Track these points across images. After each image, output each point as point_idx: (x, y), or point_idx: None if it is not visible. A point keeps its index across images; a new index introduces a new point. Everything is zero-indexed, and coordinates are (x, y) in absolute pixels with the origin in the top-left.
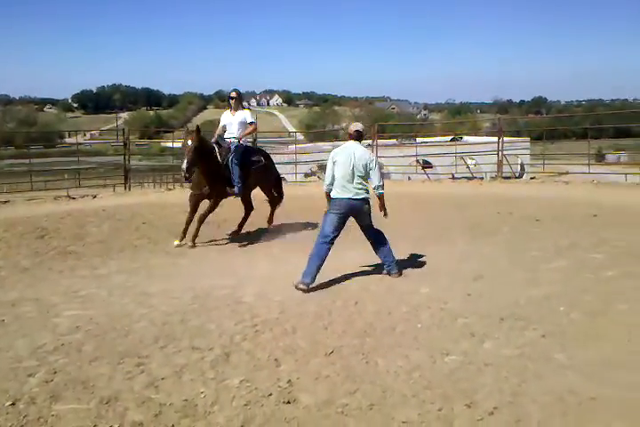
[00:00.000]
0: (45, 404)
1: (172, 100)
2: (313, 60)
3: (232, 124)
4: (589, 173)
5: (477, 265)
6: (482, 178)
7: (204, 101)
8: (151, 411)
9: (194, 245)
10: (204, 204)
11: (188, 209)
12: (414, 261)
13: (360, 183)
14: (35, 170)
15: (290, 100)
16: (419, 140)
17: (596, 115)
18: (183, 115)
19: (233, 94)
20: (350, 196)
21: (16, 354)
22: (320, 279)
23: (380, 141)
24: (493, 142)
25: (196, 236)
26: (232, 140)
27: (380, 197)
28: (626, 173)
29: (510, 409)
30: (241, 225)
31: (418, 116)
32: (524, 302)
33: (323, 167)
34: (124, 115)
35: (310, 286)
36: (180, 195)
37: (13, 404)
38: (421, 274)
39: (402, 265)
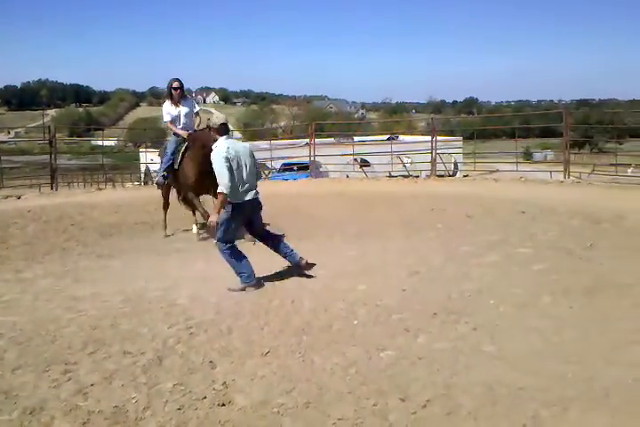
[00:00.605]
0: None
1: (103, 97)
2: (250, 58)
3: (179, 116)
4: (517, 170)
5: (412, 261)
6: (417, 176)
7: (137, 98)
8: (79, 419)
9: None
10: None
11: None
12: (351, 258)
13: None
14: None
15: (227, 97)
16: (356, 138)
17: (524, 115)
18: (114, 112)
19: (176, 84)
20: (253, 197)
21: None
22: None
23: (318, 140)
24: (428, 141)
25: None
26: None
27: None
28: (551, 171)
29: (443, 401)
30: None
31: (355, 116)
32: (456, 296)
33: (261, 166)
34: (52, 112)
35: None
36: (112, 195)
37: None
38: (358, 271)
39: (338, 262)
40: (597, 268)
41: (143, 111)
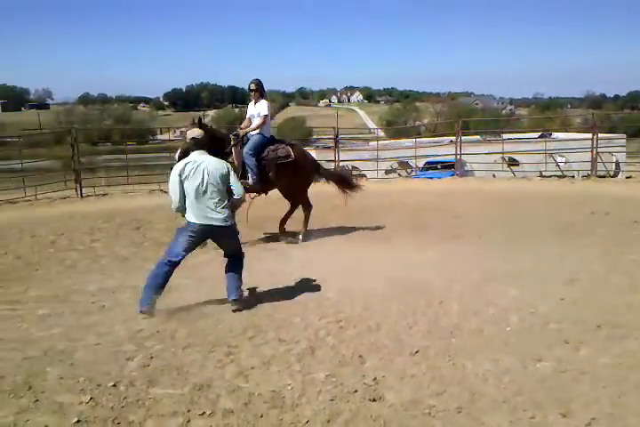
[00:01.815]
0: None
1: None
2: (394, 56)
3: (254, 116)
4: None
5: (570, 268)
6: (573, 176)
7: (287, 98)
8: (241, 400)
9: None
10: None
11: None
12: (500, 261)
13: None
14: (130, 165)
15: (370, 96)
16: (504, 136)
17: None
18: None
19: (252, 86)
20: (209, 222)
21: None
22: (410, 279)
23: (464, 138)
24: (586, 139)
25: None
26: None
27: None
28: None
29: (610, 421)
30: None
31: (503, 112)
32: (622, 308)
33: (404, 164)
34: (212, 112)
35: None
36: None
37: (115, 385)
38: (509, 275)
39: (487, 265)
40: None
41: (292, 111)
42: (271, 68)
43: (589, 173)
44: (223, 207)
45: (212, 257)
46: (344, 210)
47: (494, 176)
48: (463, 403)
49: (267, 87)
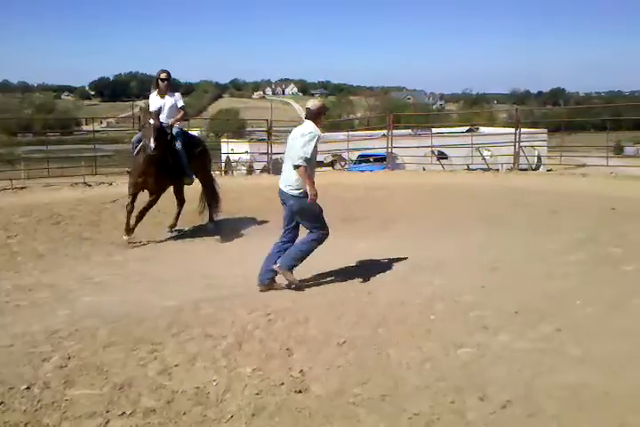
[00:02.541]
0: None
1: (188, 88)
2: (329, 50)
3: (162, 108)
4: (607, 165)
5: (492, 257)
6: (498, 170)
7: (220, 90)
8: (164, 398)
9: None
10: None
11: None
12: (427, 252)
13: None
14: (52, 157)
15: (305, 89)
16: (434, 130)
17: (616, 106)
18: (199, 103)
19: (163, 75)
20: (283, 188)
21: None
22: (339, 271)
23: (395, 132)
24: (510, 133)
25: (131, 230)
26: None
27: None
28: None
29: (524, 403)
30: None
31: (434, 107)
32: (539, 295)
33: (337, 157)
34: (141, 102)
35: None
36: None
37: (28, 388)
38: (435, 265)
39: (415, 255)
40: None
41: (226, 102)
42: (204, 58)
43: (512, 166)
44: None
45: (138, 254)
46: (277, 203)
47: (424, 169)
48: (387, 390)
49: (200, 78)
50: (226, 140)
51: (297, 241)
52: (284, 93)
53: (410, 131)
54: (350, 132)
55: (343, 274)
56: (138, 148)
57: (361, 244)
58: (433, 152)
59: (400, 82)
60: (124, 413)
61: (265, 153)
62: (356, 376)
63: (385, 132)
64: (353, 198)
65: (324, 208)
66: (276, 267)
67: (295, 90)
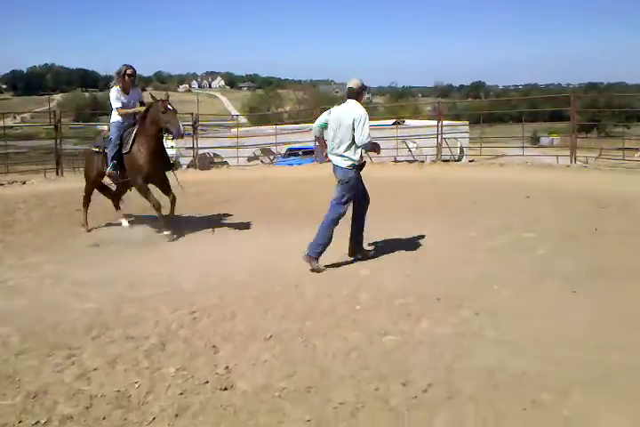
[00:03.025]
0: None
1: (109, 82)
2: (256, 42)
3: (129, 103)
4: (524, 155)
5: (417, 246)
6: (423, 161)
7: (143, 83)
8: (82, 403)
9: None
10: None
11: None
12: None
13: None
14: None
15: (232, 82)
16: None
17: (532, 99)
18: None
19: (130, 71)
20: (339, 163)
21: None
22: (268, 266)
23: None
24: (434, 126)
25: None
26: None
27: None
28: (557, 156)
29: (444, 385)
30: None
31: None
32: (459, 281)
33: (266, 151)
34: (58, 96)
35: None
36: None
37: None
38: (362, 256)
39: (343, 247)
40: (602, 252)
41: (149, 95)
42: (125, 50)
43: (436, 157)
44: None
45: (54, 256)
46: (204, 198)
47: None
48: (313, 382)
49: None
50: None
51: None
52: (210, 87)
53: None
54: (279, 126)
55: (271, 268)
56: (131, 142)
57: (289, 237)
58: None
59: (328, 75)
60: (38, 422)
61: (191, 148)
62: (282, 370)
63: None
64: (281, 192)
65: (251, 203)
66: (303, 256)
67: (222, 83)
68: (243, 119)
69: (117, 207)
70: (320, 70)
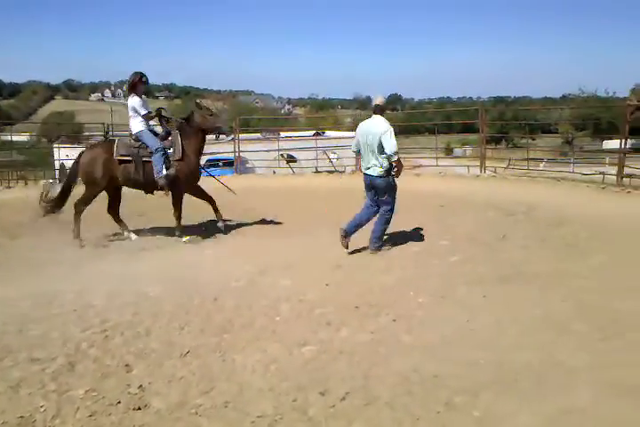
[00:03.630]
0: None
1: (14, 90)
2: (173, 51)
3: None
4: (438, 165)
5: (336, 255)
6: (343, 171)
7: (52, 91)
8: None
9: None
10: None
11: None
12: (276, 254)
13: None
14: None
15: (149, 91)
16: (283, 134)
17: (446, 112)
18: (26, 105)
19: (145, 79)
20: (370, 172)
21: None
22: (186, 279)
23: (244, 135)
24: (353, 137)
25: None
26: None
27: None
28: (469, 166)
29: (361, 393)
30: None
31: (282, 111)
32: (377, 289)
33: None
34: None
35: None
36: (21, 193)
37: None
38: (283, 267)
39: (264, 258)
40: (510, 258)
41: (58, 105)
42: (32, 56)
43: (355, 168)
44: (374, 163)
45: None
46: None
47: (274, 173)
48: (231, 397)
49: (27, 78)
50: (58, 145)
51: (375, 223)
52: (124, 96)
53: (259, 135)
54: None
55: (189, 281)
56: (181, 148)
57: (208, 249)
58: (282, 155)
59: (248, 86)
60: None
61: None
62: (199, 386)
63: (232, 136)
64: (199, 203)
65: (168, 215)
66: (370, 251)
67: None
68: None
69: (120, 221)
70: (240, 80)
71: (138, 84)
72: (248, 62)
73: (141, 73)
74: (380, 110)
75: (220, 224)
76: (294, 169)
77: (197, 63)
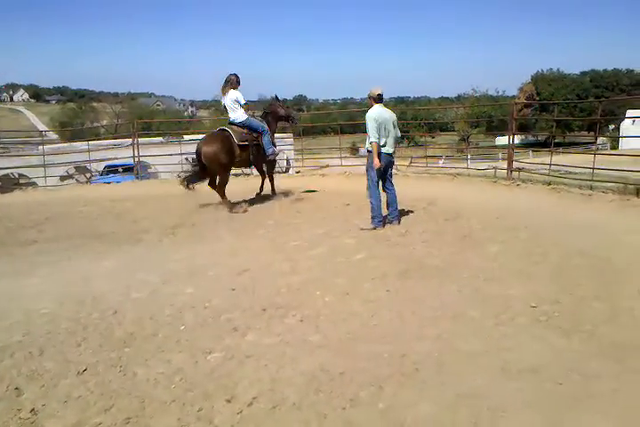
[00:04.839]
0: None
1: None
2: (65, 52)
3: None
4: (343, 165)
5: (242, 260)
6: (249, 174)
7: None
8: None
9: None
10: None
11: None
12: (180, 261)
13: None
14: None
15: (38, 95)
16: (187, 137)
17: (350, 112)
18: None
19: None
20: (390, 151)
21: None
22: (83, 293)
23: (145, 140)
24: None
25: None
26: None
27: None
28: None
29: (268, 396)
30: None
31: (185, 113)
32: (284, 290)
33: (81, 169)
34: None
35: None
36: None
37: None
38: (187, 274)
39: (167, 266)
40: (410, 252)
41: None
42: None
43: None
44: (393, 145)
45: None
46: (8, 223)
47: (179, 177)
48: (132, 412)
49: None
50: None
51: (390, 199)
52: (12, 100)
53: (161, 138)
54: (94, 142)
55: (86, 295)
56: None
57: (107, 260)
58: (187, 159)
59: (148, 88)
60: None
61: None
62: (98, 404)
63: (130, 140)
64: (97, 212)
65: (61, 226)
66: (391, 224)
67: (26, 96)
68: (53, 135)
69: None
70: (138, 82)
71: (237, 83)
72: (148, 64)
73: (236, 74)
74: (381, 99)
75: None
76: None
77: (90, 65)
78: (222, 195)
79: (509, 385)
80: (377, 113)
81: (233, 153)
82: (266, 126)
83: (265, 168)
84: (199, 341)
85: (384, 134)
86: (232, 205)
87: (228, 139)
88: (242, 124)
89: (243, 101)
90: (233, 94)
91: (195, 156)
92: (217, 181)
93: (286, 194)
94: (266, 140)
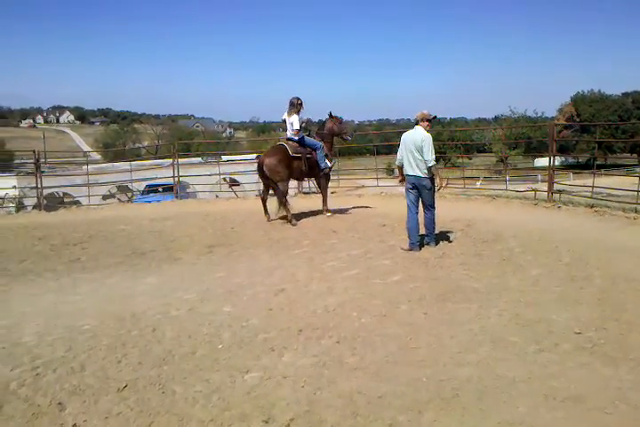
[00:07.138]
0: None
1: None
2: (109, 76)
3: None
4: (378, 186)
5: (279, 279)
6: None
7: None
8: None
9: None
10: None
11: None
12: (218, 280)
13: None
14: None
15: (83, 116)
16: (224, 158)
17: (385, 133)
18: None
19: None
20: (409, 173)
21: None
22: (123, 311)
23: (184, 160)
24: None
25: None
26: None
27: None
28: None
29: (306, 418)
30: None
31: (223, 135)
32: (320, 311)
33: (123, 188)
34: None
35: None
36: None
37: None
38: (225, 293)
39: (205, 285)
40: (448, 275)
41: None
42: None
43: (297, 190)
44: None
45: None
46: (51, 241)
47: (217, 196)
48: None
49: None
50: None
51: (424, 222)
52: (58, 121)
53: (200, 159)
54: (136, 162)
55: (126, 313)
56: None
57: (148, 278)
58: (225, 179)
59: (188, 110)
60: None
61: (35, 187)
62: (137, 421)
63: (171, 161)
64: (137, 230)
65: (103, 244)
66: (428, 245)
67: (71, 118)
68: (96, 156)
69: (287, 208)
70: (179, 105)
71: (300, 106)
72: (187, 87)
73: (299, 98)
74: (417, 122)
75: (327, 214)
76: (238, 193)
77: (133, 88)
78: (283, 204)
79: (554, 414)
80: (404, 135)
81: (289, 164)
82: (319, 143)
83: (320, 181)
84: (236, 360)
85: (405, 156)
86: (291, 215)
87: (284, 151)
88: (297, 142)
89: (296, 127)
90: (293, 118)
91: (257, 170)
92: (276, 193)
93: (326, 212)
94: (320, 155)
